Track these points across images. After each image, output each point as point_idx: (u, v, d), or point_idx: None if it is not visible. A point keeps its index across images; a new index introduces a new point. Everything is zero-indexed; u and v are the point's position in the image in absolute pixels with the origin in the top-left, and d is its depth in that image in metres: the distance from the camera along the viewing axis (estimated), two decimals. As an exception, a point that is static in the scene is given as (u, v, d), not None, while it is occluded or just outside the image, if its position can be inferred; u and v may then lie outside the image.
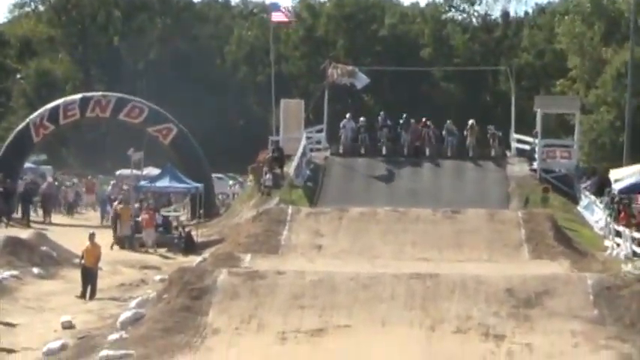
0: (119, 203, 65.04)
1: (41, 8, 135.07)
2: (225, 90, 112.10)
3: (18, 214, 68.00)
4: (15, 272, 46.32)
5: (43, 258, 50.29)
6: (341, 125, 73.40)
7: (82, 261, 45.60)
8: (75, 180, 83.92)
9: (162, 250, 57.63)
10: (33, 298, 42.93)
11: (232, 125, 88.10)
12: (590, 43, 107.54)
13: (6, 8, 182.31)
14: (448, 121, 73.60)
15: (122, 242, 59.45)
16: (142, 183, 70.56)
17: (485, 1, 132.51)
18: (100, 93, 79.63)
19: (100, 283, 45.92)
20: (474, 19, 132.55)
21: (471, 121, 73.54)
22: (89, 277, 44.62)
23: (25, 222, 65.14)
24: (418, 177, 66.13)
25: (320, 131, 74.28)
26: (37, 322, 38.52)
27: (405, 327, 33.48)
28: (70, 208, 73.30)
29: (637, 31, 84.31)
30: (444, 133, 72.78)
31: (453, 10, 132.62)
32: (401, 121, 72.50)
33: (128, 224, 60.34)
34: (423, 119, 73.19)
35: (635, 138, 71.25)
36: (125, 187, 74.58)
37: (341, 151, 71.60)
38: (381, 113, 73.66)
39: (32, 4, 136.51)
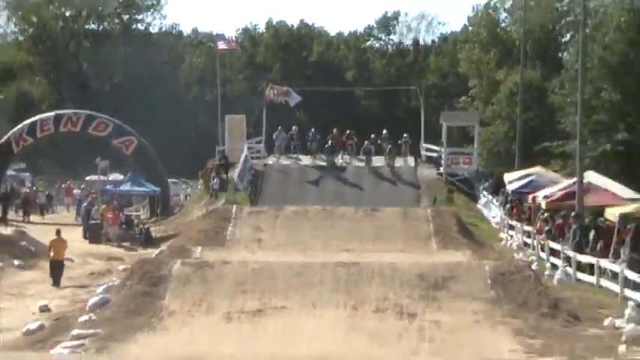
0: (90, 204, 65.07)
1: (21, 38, 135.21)
2: (179, 108, 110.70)
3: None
4: (-3, 265, 46.18)
5: (23, 251, 50.37)
6: (274, 136, 74.56)
7: (51, 253, 45.48)
8: (47, 185, 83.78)
9: (126, 244, 57.11)
10: (14, 286, 42.71)
11: (185, 137, 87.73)
12: (487, 66, 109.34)
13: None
14: (384, 131, 74.45)
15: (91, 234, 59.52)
16: (108, 187, 70.90)
17: (399, 31, 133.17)
18: (72, 111, 79.57)
19: (72, 272, 46.45)
20: (389, 47, 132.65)
21: (405, 135, 74.86)
22: (56, 268, 44.62)
23: (4, 222, 63.76)
24: (342, 180, 66.94)
25: (259, 142, 74.80)
26: (17, 307, 38.61)
27: (332, 308, 33.81)
28: (42, 209, 72.80)
29: (526, 56, 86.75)
30: (379, 141, 73.76)
31: (372, 38, 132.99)
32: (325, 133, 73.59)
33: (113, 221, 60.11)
34: (347, 132, 74.07)
35: (524, 146, 72.52)
36: (92, 190, 74.44)
37: (277, 157, 72.64)
38: (312, 129, 74.56)
39: (13, 34, 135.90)
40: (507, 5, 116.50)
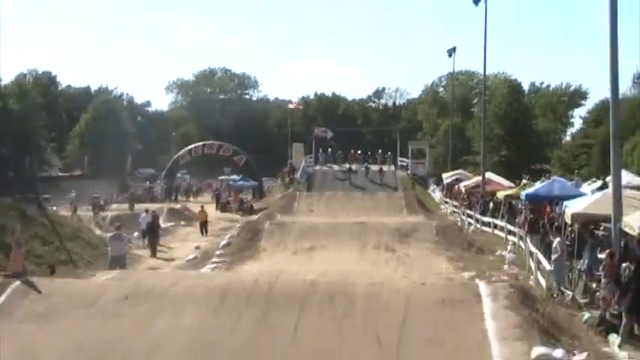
0: (221, 191, 65.73)
1: (184, 103, 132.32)
2: (269, 138, 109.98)
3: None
4: (173, 223, 46.50)
5: (186, 216, 49.90)
6: (318, 155, 73.48)
7: (199, 218, 45.65)
8: (197, 181, 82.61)
9: (240, 213, 55.62)
10: (181, 235, 42.75)
11: (271, 154, 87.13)
12: (432, 116, 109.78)
13: None
14: (379, 151, 74.06)
15: (222, 208, 58.78)
16: (230, 182, 71.09)
17: (385, 96, 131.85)
18: (211, 142, 78.51)
19: (211, 228, 45.17)
20: (380, 106, 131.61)
21: (389, 152, 73.51)
22: (203, 226, 44.58)
23: (176, 200, 63.32)
24: (355, 178, 65.06)
25: (311, 158, 73.44)
26: (183, 247, 38.51)
27: (350, 247, 33.29)
28: (194, 195, 71.76)
29: (453, 111, 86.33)
30: (375, 156, 72.98)
31: (370, 101, 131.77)
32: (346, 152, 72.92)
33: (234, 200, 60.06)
34: (358, 151, 73.49)
35: (453, 159, 71.88)
36: (218, 184, 73.82)
37: (319, 166, 71.28)
38: (339, 151, 73.71)
39: (177, 101, 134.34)
40: (443, 83, 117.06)
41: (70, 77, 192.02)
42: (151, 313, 14.41)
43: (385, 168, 67.76)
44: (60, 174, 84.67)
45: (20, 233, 18.68)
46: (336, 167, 70.66)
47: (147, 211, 43.71)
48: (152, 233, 36.84)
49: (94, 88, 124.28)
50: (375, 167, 68.90)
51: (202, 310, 14.37)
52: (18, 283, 15.55)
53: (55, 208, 44.47)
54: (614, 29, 20.15)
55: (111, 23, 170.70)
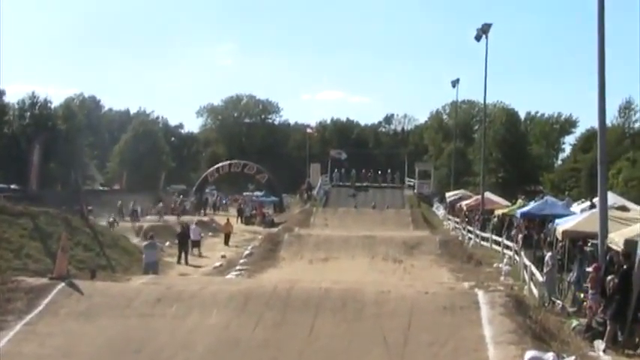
0: (244, 205, 65.86)
1: (213, 126, 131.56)
2: (289, 159, 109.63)
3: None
4: (202, 234, 44.52)
5: (213, 228, 49.75)
6: (334, 174, 72.90)
7: (224, 229, 46.03)
8: (224, 196, 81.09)
9: (262, 225, 55.74)
10: (209, 245, 42.44)
11: (290, 173, 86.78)
12: (437, 140, 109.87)
13: None
14: (389, 171, 73.24)
15: (246, 221, 59.01)
16: (254, 198, 71.95)
17: (395, 122, 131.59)
18: (236, 160, 77.66)
19: (235, 239, 45.56)
20: (390, 131, 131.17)
21: (398, 173, 73.60)
22: (227, 237, 44.69)
23: (204, 213, 62.39)
24: (366, 195, 65.29)
25: (326, 177, 73.33)
26: (211, 256, 38.65)
27: (361, 257, 33.60)
28: (222, 208, 70.68)
29: (456, 136, 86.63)
30: (385, 176, 72.50)
31: (381, 127, 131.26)
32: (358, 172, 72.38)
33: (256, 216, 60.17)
34: (364, 170, 72.74)
35: (455, 180, 72.02)
36: (242, 200, 73.38)
37: (334, 185, 70.80)
38: (352, 170, 72.89)
39: (207, 124, 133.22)
40: (447, 111, 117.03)
41: (112, 101, 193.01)
42: (181, 314, 14.47)
43: (388, 196, 66.68)
44: (101, 188, 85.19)
45: (65, 240, 18.67)
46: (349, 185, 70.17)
47: (196, 223, 44.33)
48: (183, 242, 37.04)
49: (133, 111, 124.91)
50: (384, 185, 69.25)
51: (227, 312, 14.42)
52: (63, 284, 15.65)
53: (95, 218, 44.44)
54: (601, 64, 20.17)
55: (150, 52, 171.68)
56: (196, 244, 39.63)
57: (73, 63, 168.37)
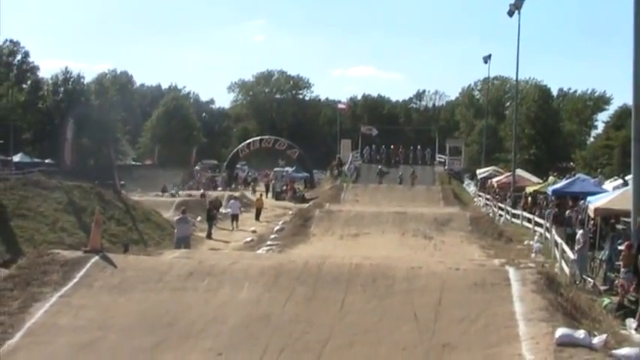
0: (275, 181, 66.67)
1: (244, 102, 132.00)
2: (319, 135, 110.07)
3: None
4: (242, 208, 45.18)
5: (245, 203, 49.15)
6: (364, 150, 73.09)
7: (256, 204, 46.91)
8: (255, 172, 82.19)
9: (293, 201, 56.30)
10: (240, 220, 42.00)
11: (321, 149, 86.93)
12: (468, 117, 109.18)
13: None
14: (418, 147, 73.38)
15: (277, 197, 59.64)
16: (284, 173, 72.23)
17: (425, 99, 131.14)
18: (267, 136, 78.89)
19: (266, 214, 45.97)
20: (421, 107, 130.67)
21: (428, 149, 73.36)
22: (258, 212, 45.28)
23: (236, 188, 63.27)
24: (396, 172, 64.17)
25: (357, 152, 73.02)
26: (241, 231, 39.29)
27: (391, 233, 33.59)
28: (252, 184, 70.21)
29: (488, 112, 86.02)
30: (415, 152, 72.52)
31: (412, 103, 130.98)
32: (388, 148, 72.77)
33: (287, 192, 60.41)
34: (393, 146, 73.02)
35: (487, 156, 71.24)
36: (272, 175, 73.93)
37: (365, 161, 71.07)
38: (383, 146, 73.19)
39: (237, 100, 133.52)
40: (478, 87, 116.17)
41: (144, 77, 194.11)
42: (212, 289, 14.52)
43: (418, 172, 65.73)
44: (133, 163, 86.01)
45: (99, 215, 18.85)
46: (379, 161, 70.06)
47: (235, 198, 45.06)
48: (211, 216, 37.35)
49: (164, 86, 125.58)
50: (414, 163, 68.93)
51: (258, 287, 14.45)
52: (97, 258, 15.78)
53: (127, 192, 44.86)
54: (637, 40, 19.89)
55: (181, 29, 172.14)
56: (235, 217, 40.91)
57: (105, 39, 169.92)
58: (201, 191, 53.47)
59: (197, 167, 75.90)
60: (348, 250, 27.01)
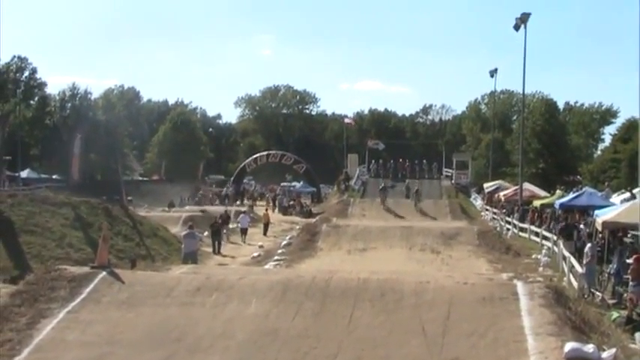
0: (282, 196, 65.74)
1: (250, 117, 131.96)
2: (325, 149, 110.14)
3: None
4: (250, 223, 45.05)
5: (252, 218, 47.93)
6: (371, 165, 72.49)
7: (263, 219, 46.43)
8: (260, 186, 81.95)
9: (300, 216, 55.56)
10: (248, 235, 41.94)
11: (328, 164, 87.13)
12: (475, 131, 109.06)
13: None
14: (424, 161, 72.80)
15: (284, 211, 58.87)
16: (291, 188, 72.36)
17: (432, 113, 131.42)
18: (274, 151, 79.01)
19: (273, 229, 45.55)
20: (427, 121, 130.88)
21: (435, 163, 72.91)
22: (266, 227, 44.91)
23: (242, 203, 62.82)
24: (403, 186, 61.87)
25: (364, 167, 72.55)
26: (249, 246, 39.02)
27: (399, 248, 33.78)
28: (258, 198, 70.07)
29: (494, 126, 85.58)
30: (422, 166, 72.00)
31: (419, 117, 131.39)
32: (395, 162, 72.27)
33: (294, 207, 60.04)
34: (401, 160, 72.57)
35: (493, 170, 71.47)
36: (279, 190, 73.25)
37: (372, 175, 70.31)
38: (391, 160, 72.94)
39: (244, 115, 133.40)
40: (485, 101, 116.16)
41: (151, 92, 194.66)
42: (220, 303, 14.54)
43: (425, 186, 65.37)
44: (140, 178, 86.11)
45: (106, 230, 18.91)
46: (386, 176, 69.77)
47: (244, 212, 45.29)
48: (216, 232, 37.24)
49: (171, 101, 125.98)
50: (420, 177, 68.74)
51: (266, 302, 14.46)
52: (104, 273, 15.83)
53: (134, 208, 44.88)
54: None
55: (188, 44, 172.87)
56: (244, 231, 41.32)
57: (112, 54, 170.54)
58: (202, 207, 53.45)
59: (202, 185, 75.62)
60: (355, 265, 27.04)
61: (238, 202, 63.24)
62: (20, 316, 13.75)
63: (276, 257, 31.95)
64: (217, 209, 49.92)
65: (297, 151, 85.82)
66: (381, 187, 56.77)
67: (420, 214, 50.16)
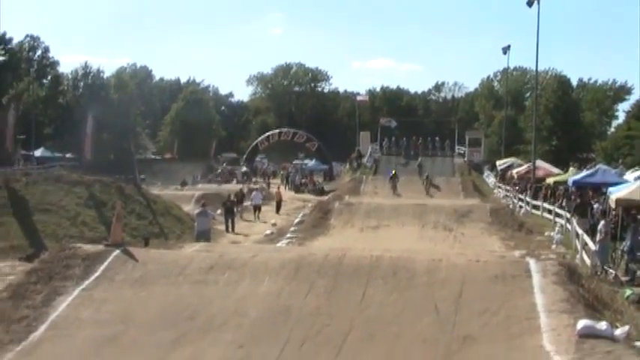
0: (294, 174, 65.82)
1: (263, 95, 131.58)
2: (338, 126, 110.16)
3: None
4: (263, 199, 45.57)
5: (265, 196, 48.53)
6: (383, 142, 73.07)
7: (276, 197, 46.62)
8: (273, 164, 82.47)
9: (312, 193, 56.17)
10: (262, 212, 42.48)
11: (340, 141, 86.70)
12: (488, 108, 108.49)
13: None
14: (437, 138, 73.70)
15: (296, 189, 59.41)
16: (304, 166, 72.66)
17: (445, 90, 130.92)
18: (286, 129, 79.35)
19: (286, 207, 45.73)
20: (440, 99, 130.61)
21: (447, 141, 74.04)
22: (278, 205, 45.10)
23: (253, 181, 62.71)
24: (416, 163, 62.83)
25: (376, 144, 73.04)
26: (262, 223, 39.53)
27: (411, 225, 33.70)
28: (267, 176, 69.43)
29: (507, 104, 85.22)
30: (435, 143, 72.74)
31: (431, 94, 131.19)
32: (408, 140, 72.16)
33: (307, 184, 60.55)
34: (414, 138, 72.36)
35: (506, 148, 71.44)
36: (291, 168, 72.59)
37: (384, 153, 70.75)
38: (404, 138, 72.73)
39: (256, 92, 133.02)
40: (498, 78, 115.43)
41: (163, 71, 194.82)
42: (233, 282, 14.59)
43: (438, 163, 65.57)
44: (153, 157, 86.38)
45: (120, 209, 18.97)
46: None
47: (257, 189, 45.88)
48: (229, 210, 37.40)
49: (183, 80, 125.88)
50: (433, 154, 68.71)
51: (279, 280, 14.51)
52: (118, 252, 15.90)
53: (147, 186, 45.06)
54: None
55: (199, 22, 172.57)
56: (258, 208, 41.76)
57: (124, 33, 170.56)
58: (216, 186, 53.80)
59: (224, 164, 75.40)
60: (368, 243, 27.04)
61: (254, 180, 63.39)
62: (36, 294, 13.89)
63: (288, 235, 32.00)
64: (233, 187, 50.09)
65: (309, 129, 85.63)
66: (391, 174, 53.78)
67: (433, 192, 50.50)
